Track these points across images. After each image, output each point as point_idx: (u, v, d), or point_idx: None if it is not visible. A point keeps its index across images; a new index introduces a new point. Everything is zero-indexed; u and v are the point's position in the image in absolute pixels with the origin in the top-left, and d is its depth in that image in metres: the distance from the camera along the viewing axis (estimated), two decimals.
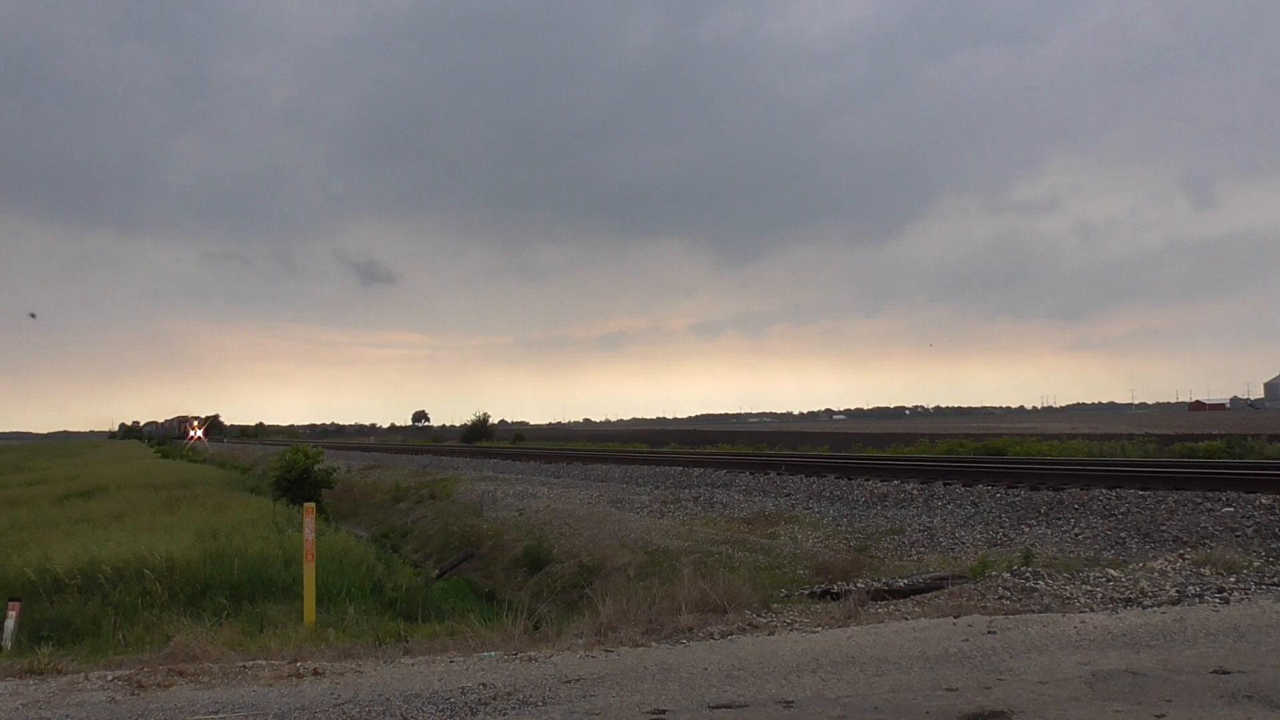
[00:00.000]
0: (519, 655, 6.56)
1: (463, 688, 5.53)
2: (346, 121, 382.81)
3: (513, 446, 58.92)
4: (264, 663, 6.55)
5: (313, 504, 11.88)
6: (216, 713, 5.18)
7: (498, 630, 7.88)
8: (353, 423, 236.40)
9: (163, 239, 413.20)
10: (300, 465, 25.60)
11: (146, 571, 12.85)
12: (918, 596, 8.83)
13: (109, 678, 6.08)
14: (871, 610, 7.96)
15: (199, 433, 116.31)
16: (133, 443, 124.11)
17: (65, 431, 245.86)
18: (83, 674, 6.30)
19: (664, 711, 4.85)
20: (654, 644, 6.78)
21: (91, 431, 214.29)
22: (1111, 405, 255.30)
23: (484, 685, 5.58)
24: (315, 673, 6.07)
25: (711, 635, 7.00)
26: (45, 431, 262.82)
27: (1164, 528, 13.24)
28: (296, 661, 6.54)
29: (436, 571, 19.25)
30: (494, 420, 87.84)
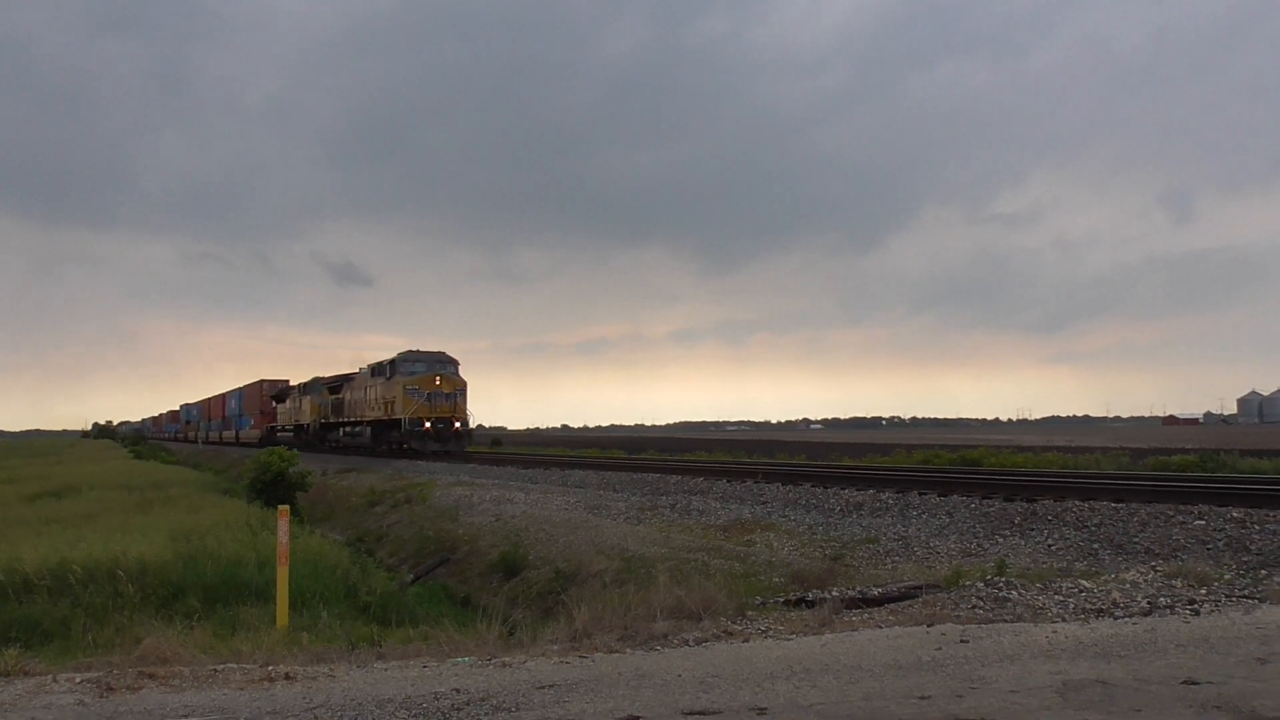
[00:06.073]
0: (493, 661, 6.53)
1: (436, 693, 5.51)
2: (326, 121, 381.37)
3: (490, 451, 58.69)
4: (235, 666, 6.48)
5: (287, 507, 11.80)
6: (186, 716, 5.13)
7: (472, 636, 7.84)
8: None
9: (138, 237, 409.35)
10: (275, 468, 25.39)
11: (119, 572, 12.69)
12: (892, 605, 8.86)
13: (77, 680, 6.00)
14: (846, 618, 7.99)
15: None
16: (106, 442, 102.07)
17: (38, 430, 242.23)
18: (51, 676, 6.21)
19: (638, 718, 4.85)
20: (629, 650, 6.78)
21: (64, 431, 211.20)
22: (1087, 418, 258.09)
23: (458, 690, 5.55)
24: (287, 677, 6.02)
25: (686, 642, 7.00)
26: (17, 430, 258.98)
27: (1136, 540, 13.36)
28: (268, 665, 6.48)
29: (411, 576, 19.14)
30: (472, 425, 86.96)
